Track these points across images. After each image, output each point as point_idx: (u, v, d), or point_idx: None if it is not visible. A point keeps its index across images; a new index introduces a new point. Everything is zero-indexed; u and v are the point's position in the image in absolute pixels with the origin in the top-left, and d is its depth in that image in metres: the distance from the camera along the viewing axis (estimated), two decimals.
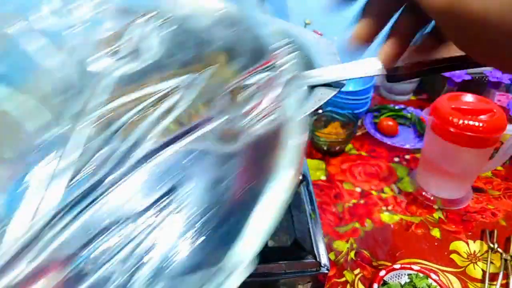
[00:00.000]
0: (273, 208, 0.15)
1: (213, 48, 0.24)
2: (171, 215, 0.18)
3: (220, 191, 0.18)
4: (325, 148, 0.95)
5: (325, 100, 0.42)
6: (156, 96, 0.21)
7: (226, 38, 0.24)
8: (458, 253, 0.71)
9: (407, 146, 0.97)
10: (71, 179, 0.18)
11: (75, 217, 0.17)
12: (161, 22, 0.24)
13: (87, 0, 0.24)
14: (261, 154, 0.19)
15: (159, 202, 0.18)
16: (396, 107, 1.11)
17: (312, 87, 0.46)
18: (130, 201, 0.18)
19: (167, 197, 0.18)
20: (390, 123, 1.01)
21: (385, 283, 0.64)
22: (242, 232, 0.14)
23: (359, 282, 0.66)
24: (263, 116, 0.20)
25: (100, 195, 0.18)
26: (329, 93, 0.43)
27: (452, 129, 0.69)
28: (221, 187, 0.18)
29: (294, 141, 0.17)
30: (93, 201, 0.18)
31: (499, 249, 0.70)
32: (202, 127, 0.20)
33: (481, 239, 0.74)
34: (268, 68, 0.22)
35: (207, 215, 0.17)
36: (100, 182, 0.18)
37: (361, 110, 1.04)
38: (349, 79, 0.41)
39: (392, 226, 0.77)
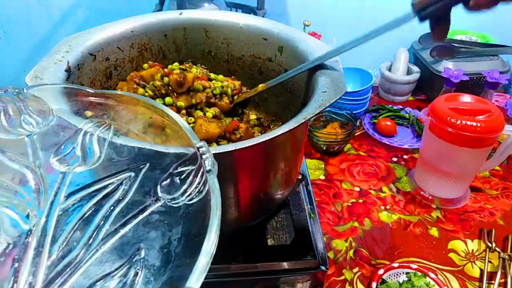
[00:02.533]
0: (206, 260, 0.22)
1: (143, 152, 0.31)
2: (134, 269, 0.24)
3: (169, 252, 0.25)
4: (324, 148, 0.96)
5: (325, 106, 0.42)
6: (107, 190, 0.28)
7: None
8: (456, 252, 0.72)
9: (406, 146, 0.98)
10: (50, 256, 0.24)
11: (63, 283, 0.22)
12: (99, 130, 0.32)
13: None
14: (196, 222, 0.26)
15: (124, 266, 0.24)
16: (395, 108, 1.12)
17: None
18: (103, 267, 0.24)
19: (131, 259, 0.24)
20: (389, 123, 1.02)
21: (383, 281, 0.65)
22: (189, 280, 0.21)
23: (358, 281, 0.66)
24: (196, 192, 0.27)
25: (77, 265, 0.23)
26: (330, 99, 0.43)
27: (450, 129, 0.69)
28: (169, 249, 0.25)
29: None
30: (72, 271, 0.23)
31: (497, 248, 0.71)
32: (150, 207, 0.27)
33: (479, 238, 0.75)
34: (190, 162, 0.28)
35: (160, 271, 0.23)
36: (76, 256, 0.24)
37: (360, 111, 1.05)
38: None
39: (390, 225, 0.77)
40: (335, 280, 0.67)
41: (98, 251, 0.24)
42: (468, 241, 0.74)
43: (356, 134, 1.03)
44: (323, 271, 0.54)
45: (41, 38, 1.16)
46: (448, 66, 1.08)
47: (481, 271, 0.68)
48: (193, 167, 0.27)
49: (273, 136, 0.38)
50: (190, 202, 0.26)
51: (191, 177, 0.27)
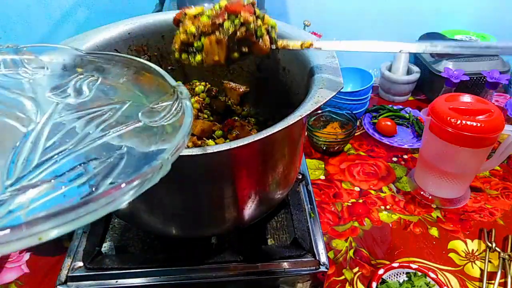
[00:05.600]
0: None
1: (124, 94, 0.37)
2: (119, 156, 0.28)
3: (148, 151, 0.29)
4: (324, 148, 0.96)
5: (322, 103, 0.42)
6: (95, 114, 0.34)
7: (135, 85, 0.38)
8: (456, 252, 0.72)
9: (406, 146, 0.98)
10: (45, 147, 0.29)
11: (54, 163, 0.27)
12: (89, 79, 0.39)
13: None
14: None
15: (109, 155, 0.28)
16: (395, 108, 1.12)
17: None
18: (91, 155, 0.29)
19: (115, 151, 0.28)
20: (389, 123, 1.02)
21: (383, 281, 0.65)
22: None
23: (358, 281, 0.66)
24: (172, 117, 0.32)
25: (68, 153, 0.28)
26: (326, 96, 0.43)
27: (450, 129, 0.69)
28: (149, 150, 0.29)
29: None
30: (64, 156, 0.28)
31: (497, 248, 0.71)
32: (132, 125, 0.32)
33: (479, 238, 0.75)
34: (168, 99, 0.34)
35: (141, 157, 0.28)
36: (67, 149, 0.29)
37: (360, 111, 1.05)
38: None
39: (390, 225, 0.77)
40: (335, 280, 0.67)
41: (86, 147, 0.29)
42: (468, 241, 0.74)
43: (356, 134, 1.03)
44: (323, 271, 0.54)
45: (41, 38, 1.16)
46: (448, 66, 1.08)
47: (481, 271, 0.68)
48: (171, 102, 0.33)
49: (268, 133, 0.38)
50: (167, 123, 0.32)
51: (168, 108, 0.33)
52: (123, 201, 0.23)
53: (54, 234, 0.20)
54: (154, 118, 0.32)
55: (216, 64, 0.48)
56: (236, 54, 0.47)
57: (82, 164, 0.26)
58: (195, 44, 0.47)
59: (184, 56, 0.48)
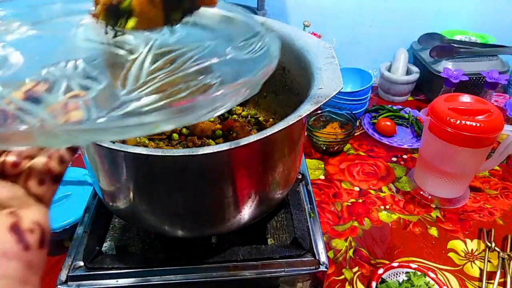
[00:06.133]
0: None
1: (213, 34, 0.42)
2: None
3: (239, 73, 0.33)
4: (324, 148, 0.96)
5: (321, 103, 0.42)
6: (186, 49, 0.38)
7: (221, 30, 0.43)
8: (456, 252, 0.72)
9: (405, 146, 0.98)
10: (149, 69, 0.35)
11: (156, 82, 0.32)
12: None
13: None
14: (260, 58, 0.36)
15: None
16: (394, 108, 1.12)
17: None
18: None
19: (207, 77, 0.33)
20: (388, 123, 1.02)
21: (383, 281, 0.65)
22: None
23: (358, 280, 0.67)
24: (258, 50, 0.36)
25: (167, 77, 0.33)
26: (326, 96, 0.43)
27: (449, 129, 0.69)
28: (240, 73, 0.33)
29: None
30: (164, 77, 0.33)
31: (496, 248, 0.71)
32: (223, 56, 0.36)
33: (479, 238, 0.75)
34: (253, 38, 0.39)
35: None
36: (166, 73, 0.34)
37: (359, 111, 1.05)
38: None
39: (390, 225, 0.77)
40: (335, 280, 0.67)
41: (183, 71, 0.34)
42: (468, 240, 0.74)
43: (355, 134, 1.03)
44: (323, 270, 0.54)
45: None
46: (447, 66, 1.08)
47: (481, 270, 0.68)
48: (256, 39, 0.38)
49: (268, 134, 0.38)
50: (253, 56, 0.35)
51: (254, 44, 0.37)
52: (226, 107, 0.27)
53: (168, 127, 0.25)
54: (242, 52, 0.36)
55: (154, 27, 0.39)
56: (178, 14, 0.40)
57: (183, 83, 0.32)
58: (122, 5, 0.37)
59: (110, 21, 0.38)
